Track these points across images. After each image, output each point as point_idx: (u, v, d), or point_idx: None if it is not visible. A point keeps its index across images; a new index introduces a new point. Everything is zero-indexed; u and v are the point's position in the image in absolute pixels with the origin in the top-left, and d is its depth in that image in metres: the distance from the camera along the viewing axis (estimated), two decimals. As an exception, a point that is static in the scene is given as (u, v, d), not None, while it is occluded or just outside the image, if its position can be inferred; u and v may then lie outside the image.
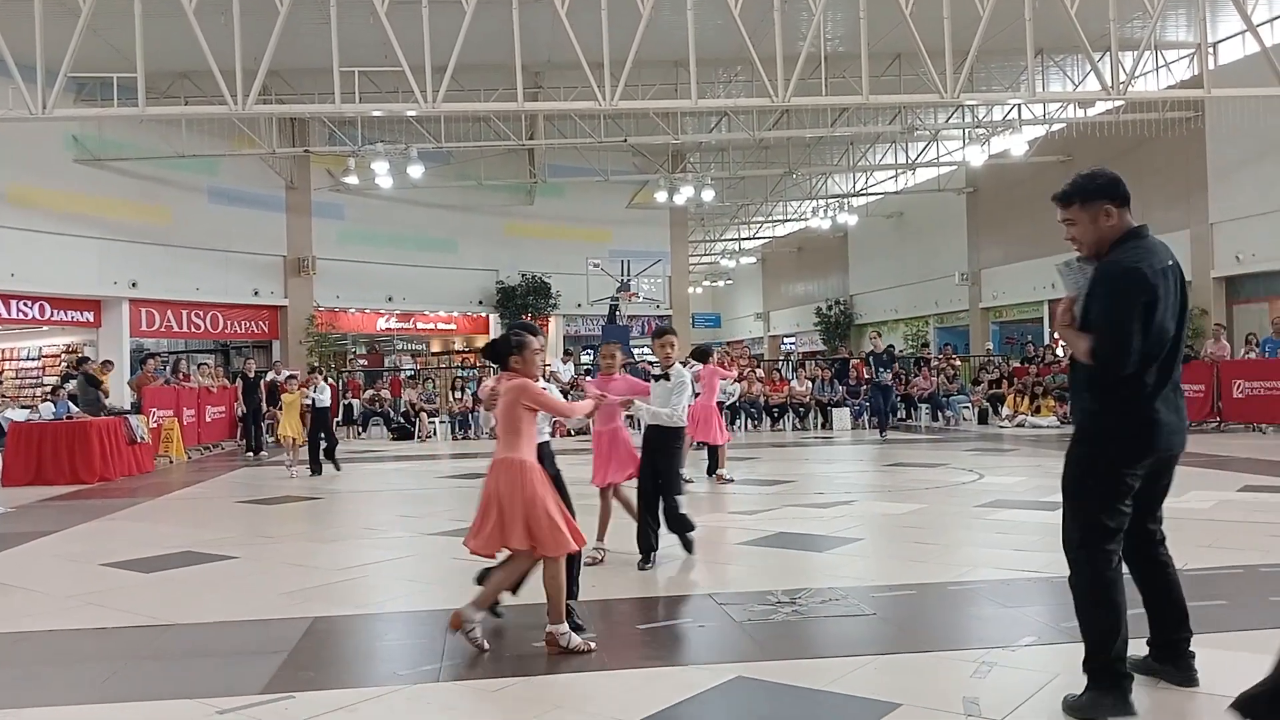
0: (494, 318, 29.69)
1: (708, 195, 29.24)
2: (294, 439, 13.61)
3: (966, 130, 26.12)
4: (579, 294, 29.31)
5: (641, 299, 30.16)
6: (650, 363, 7.24)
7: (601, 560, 6.51)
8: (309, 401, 13.54)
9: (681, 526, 6.56)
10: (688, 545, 6.58)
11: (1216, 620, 4.67)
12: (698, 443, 11.34)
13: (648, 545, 6.41)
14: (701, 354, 11.53)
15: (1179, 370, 3.61)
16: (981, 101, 21.68)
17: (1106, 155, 22.30)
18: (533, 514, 4.45)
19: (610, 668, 4.24)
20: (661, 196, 28.86)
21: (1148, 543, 3.71)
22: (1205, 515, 7.85)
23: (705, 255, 45.82)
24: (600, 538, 6.73)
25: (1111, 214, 3.60)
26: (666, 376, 6.63)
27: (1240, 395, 16.07)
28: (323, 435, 13.65)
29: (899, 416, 20.96)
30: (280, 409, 14.22)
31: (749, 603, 5.26)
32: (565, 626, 4.48)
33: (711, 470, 11.31)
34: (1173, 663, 3.70)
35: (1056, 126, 23.95)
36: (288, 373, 16.71)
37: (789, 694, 3.84)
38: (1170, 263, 3.53)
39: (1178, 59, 22.44)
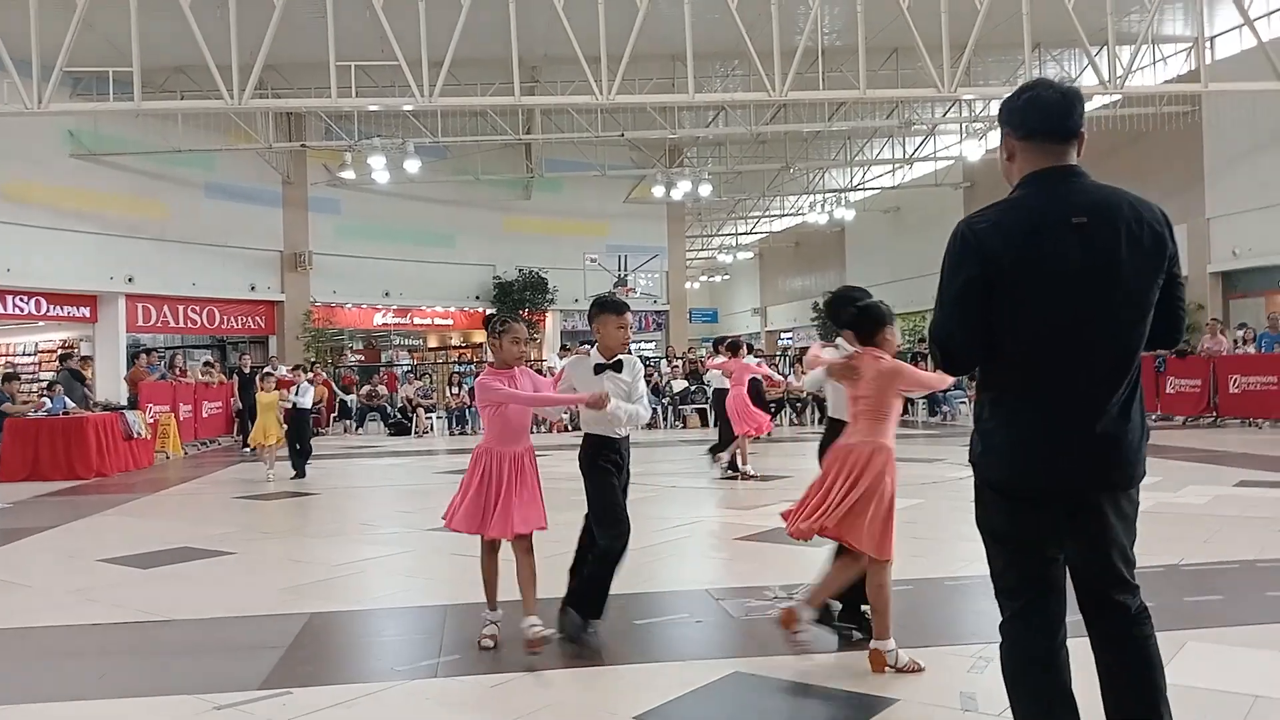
0: (491, 313, 29.69)
1: (705, 190, 29.19)
2: (268, 444, 12.48)
3: (964, 125, 26.12)
4: (576, 289, 29.27)
5: (639, 294, 30.13)
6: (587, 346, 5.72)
7: None
8: (288, 404, 12.57)
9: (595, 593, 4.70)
10: (571, 628, 4.65)
11: (1214, 616, 4.69)
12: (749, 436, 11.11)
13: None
14: (733, 346, 11.54)
15: (1091, 374, 2.52)
16: (978, 96, 21.67)
17: (1103, 149, 22.29)
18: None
19: (607, 663, 4.24)
20: (659, 191, 28.83)
21: (1109, 618, 2.62)
22: (1202, 511, 7.87)
23: (702, 250, 45.78)
24: None
25: (1010, 148, 2.66)
26: (619, 367, 4.84)
27: (1236, 390, 16.09)
28: (297, 440, 12.53)
29: (896, 411, 20.94)
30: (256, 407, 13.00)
31: (746, 598, 5.28)
32: (892, 642, 4.01)
33: (723, 456, 11.18)
34: None
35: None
36: (266, 369, 16.60)
37: (786, 689, 3.85)
38: (1080, 219, 2.48)
39: (1175, 53, 22.44)
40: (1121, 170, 21.49)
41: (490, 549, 4.72)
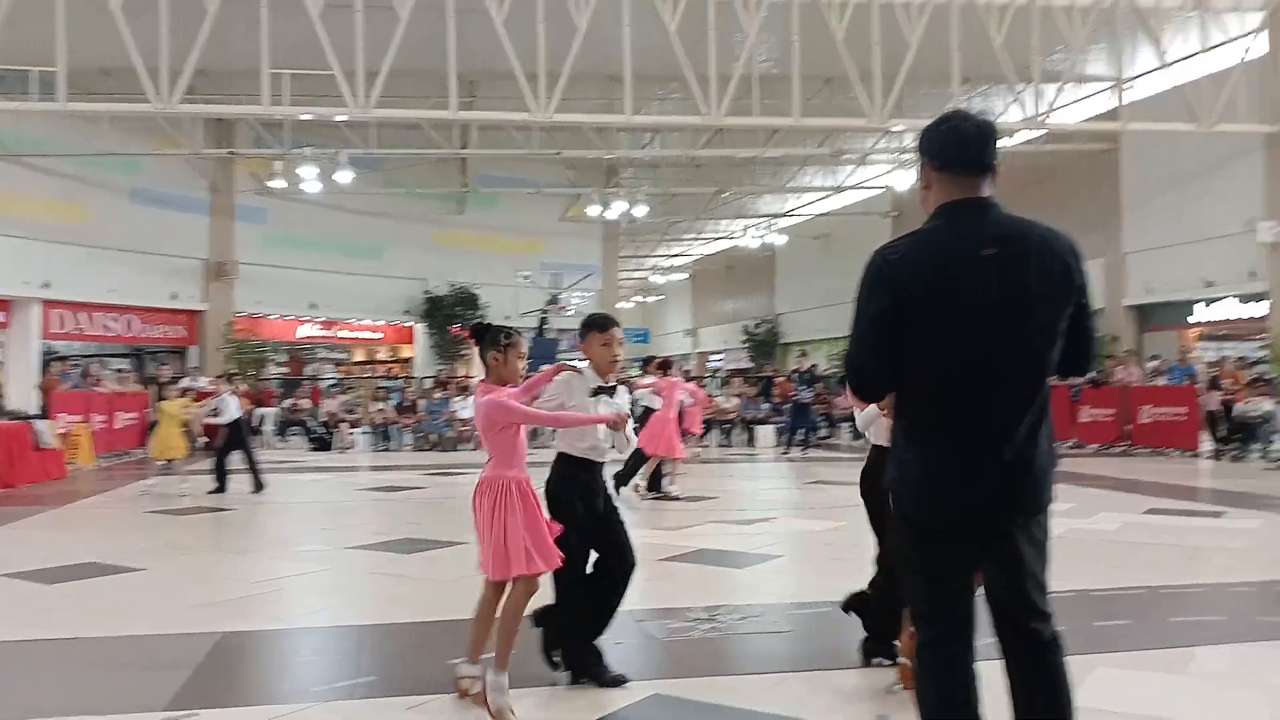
0: (420, 328, 29.35)
1: (640, 211, 29.35)
2: (175, 457, 11.96)
3: (893, 155, 26.68)
4: (508, 306, 29.11)
5: (571, 312, 30.10)
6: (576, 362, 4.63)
7: None
8: (212, 420, 11.92)
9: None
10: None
11: (1119, 640, 4.82)
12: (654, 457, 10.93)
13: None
14: (664, 365, 11.53)
15: (1000, 403, 2.54)
16: (908, 127, 22.14)
17: (1027, 182, 22.93)
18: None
19: (525, 685, 4.20)
20: (594, 211, 28.88)
21: (1023, 645, 2.66)
22: (1113, 537, 8.10)
23: (636, 270, 45.95)
24: None
25: (928, 177, 2.69)
26: (612, 390, 4.50)
27: (1148, 420, 16.62)
28: (240, 450, 11.92)
29: (820, 435, 21.22)
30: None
31: (667, 620, 5.27)
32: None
33: (655, 485, 11.09)
34: None
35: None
36: (176, 377, 16.10)
37: (704, 712, 3.85)
38: (991, 250, 2.51)
39: (1096, 92, 23.25)
40: (1043, 204, 22.11)
41: (499, 589, 4.09)
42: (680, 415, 16.07)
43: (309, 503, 11.79)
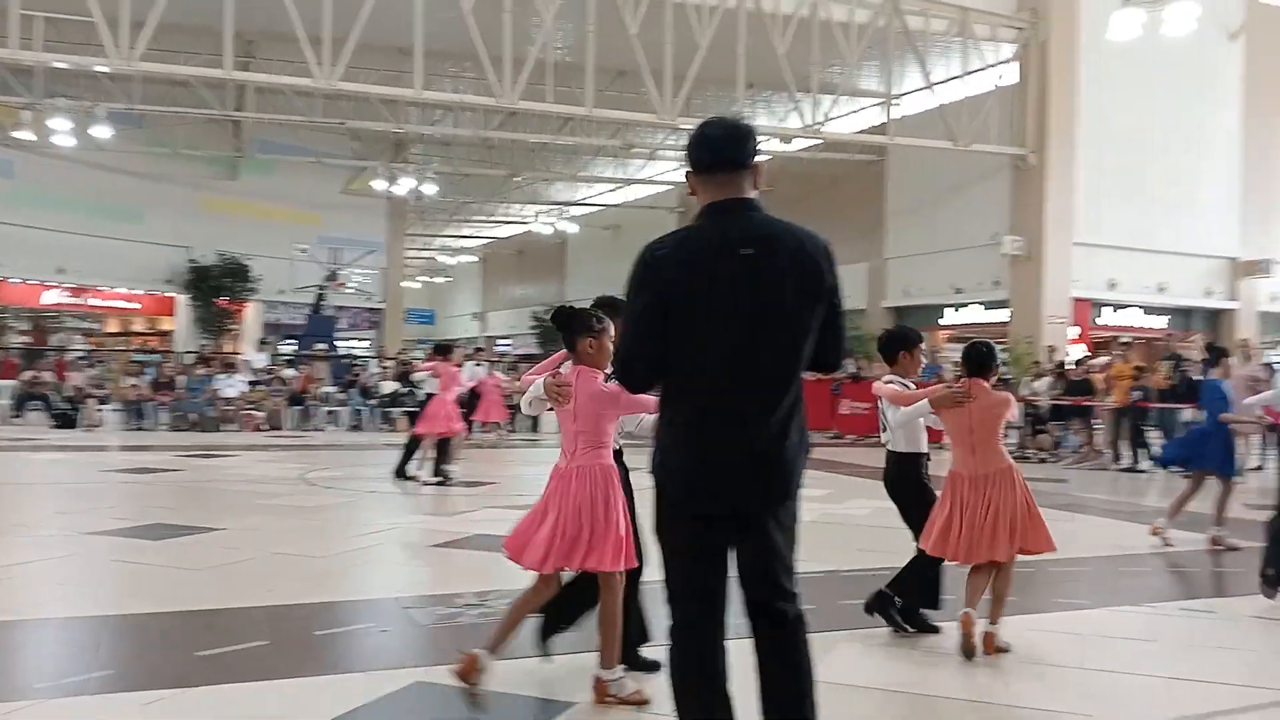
0: (183, 299, 27.48)
1: (429, 189, 28.72)
2: None
3: (682, 152, 27.39)
4: (282, 279, 27.78)
5: (352, 289, 29.09)
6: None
7: None
8: None
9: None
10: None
11: (861, 618, 5.15)
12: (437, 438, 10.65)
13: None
14: (443, 349, 11.24)
15: (752, 396, 2.66)
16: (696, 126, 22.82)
17: (804, 187, 24.18)
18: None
19: (280, 676, 4.04)
20: (380, 185, 28.02)
21: (769, 625, 2.80)
22: (863, 521, 8.66)
23: (424, 250, 44.97)
24: None
25: (691, 181, 2.82)
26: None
27: (901, 414, 17.90)
28: None
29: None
30: None
31: (435, 606, 5.21)
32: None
33: (439, 466, 10.80)
34: None
35: (763, 157, 25.65)
36: None
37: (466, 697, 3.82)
38: (748, 250, 2.63)
39: (867, 106, 24.73)
40: (817, 209, 23.38)
41: (552, 582, 3.97)
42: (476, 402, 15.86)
43: (47, 484, 10.81)
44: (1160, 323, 21.46)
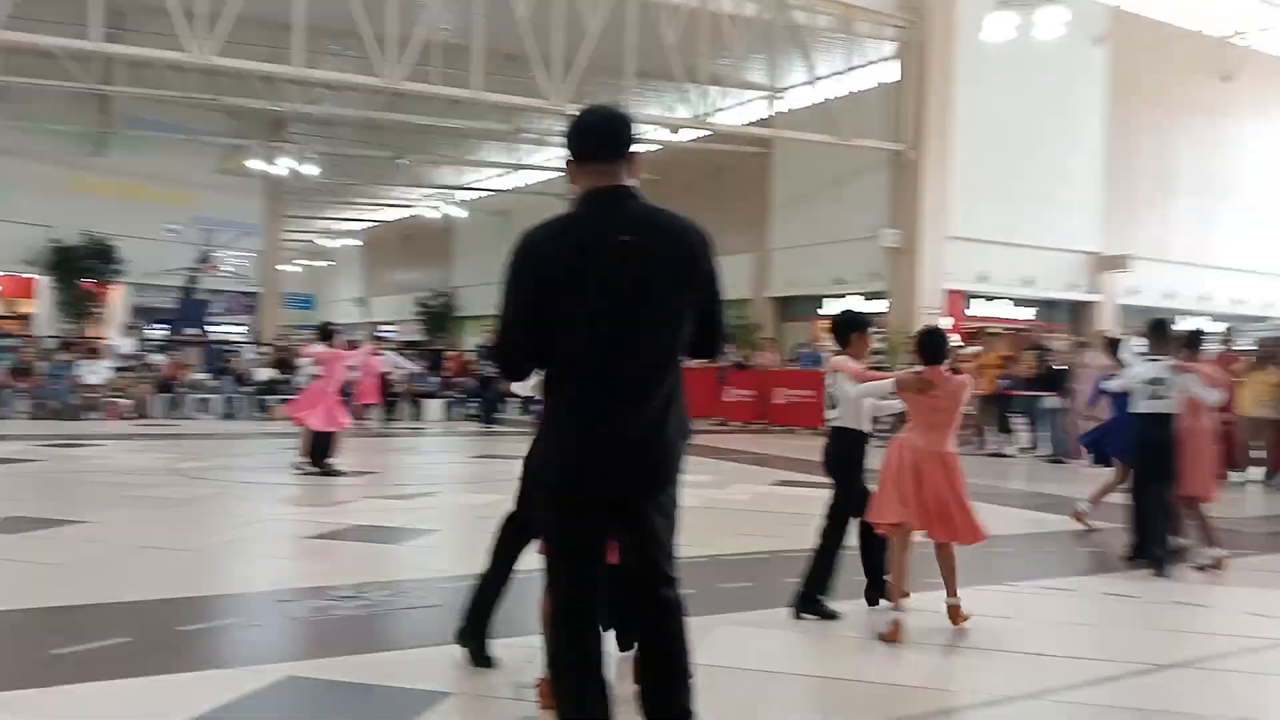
0: (45, 280, 26.01)
1: (309, 169, 27.88)
2: None
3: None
4: (151, 261, 26.54)
5: (226, 273, 28.03)
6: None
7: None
8: None
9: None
10: None
11: (740, 600, 5.26)
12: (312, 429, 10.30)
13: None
14: (326, 334, 10.83)
15: (629, 383, 2.68)
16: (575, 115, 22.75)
17: (691, 178, 24.37)
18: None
19: (143, 674, 3.87)
20: (257, 165, 27.05)
21: (648, 610, 2.85)
22: (744, 506, 8.82)
23: (303, 232, 43.67)
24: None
25: (570, 169, 2.84)
26: None
27: (782, 401, 18.26)
28: None
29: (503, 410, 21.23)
30: None
31: (309, 598, 5.07)
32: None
33: (321, 457, 10.45)
34: None
35: (652, 147, 25.78)
36: None
37: (340, 690, 3.75)
38: (626, 237, 2.67)
39: (755, 98, 25.07)
40: (704, 200, 23.61)
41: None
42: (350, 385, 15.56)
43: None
44: (1028, 314, 22.43)
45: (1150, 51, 23.29)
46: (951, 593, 4.85)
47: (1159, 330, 6.46)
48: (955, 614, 4.81)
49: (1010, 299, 22.34)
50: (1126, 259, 22.69)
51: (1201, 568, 6.39)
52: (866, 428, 5.10)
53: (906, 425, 4.96)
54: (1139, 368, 6.49)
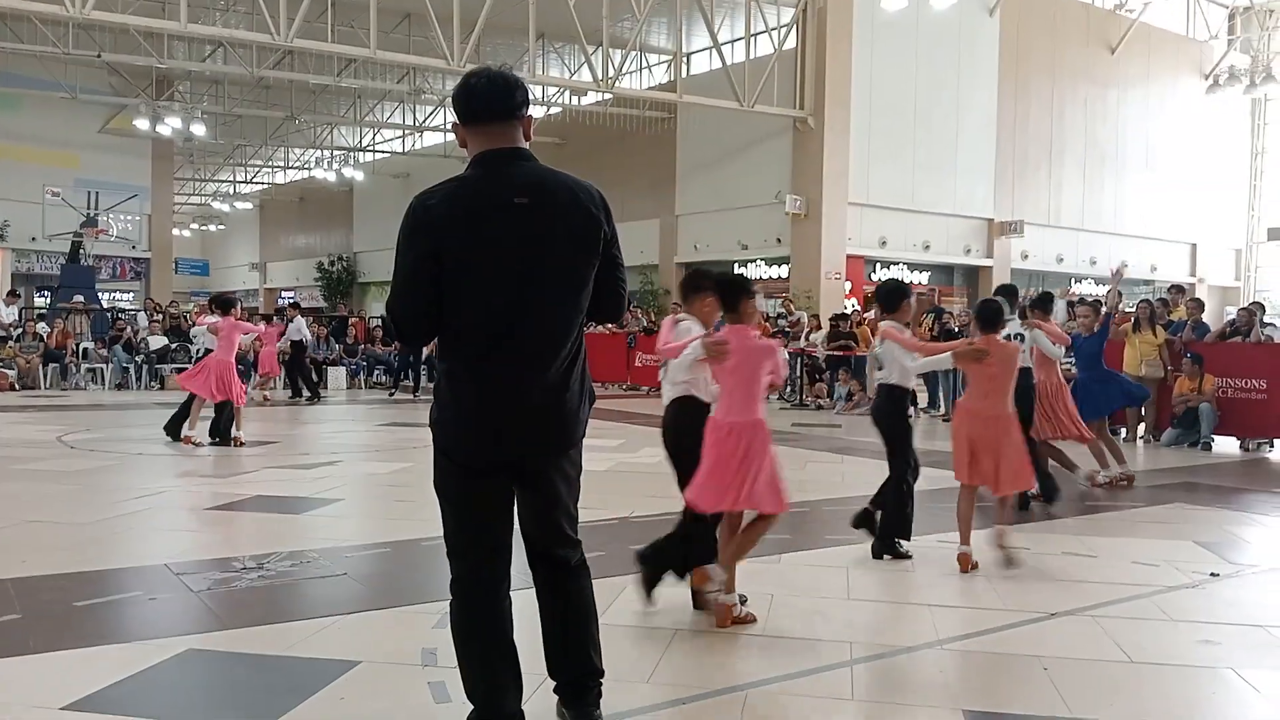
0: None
1: (198, 129, 26.86)
2: None
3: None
4: (33, 227, 25.36)
5: (113, 237, 26.88)
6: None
7: None
8: None
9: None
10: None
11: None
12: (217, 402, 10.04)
13: None
14: (225, 304, 10.48)
15: (529, 347, 2.66)
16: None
17: (596, 142, 24.27)
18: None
19: (36, 651, 3.75)
20: (143, 125, 25.94)
21: (552, 571, 2.89)
22: (653, 469, 8.89)
23: (195, 195, 42.12)
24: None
25: (460, 133, 2.79)
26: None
27: (691, 366, 18.46)
28: None
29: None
30: None
31: (210, 570, 4.96)
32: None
33: (220, 429, 10.17)
34: (573, 707, 2.91)
35: (554, 111, 25.51)
36: None
37: (243, 662, 3.69)
38: (522, 199, 2.62)
39: (659, 63, 25.01)
40: (609, 165, 23.55)
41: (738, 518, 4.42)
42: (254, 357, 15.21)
43: None
44: (925, 279, 23.05)
45: (1041, 22, 24.01)
46: (1005, 532, 5.29)
47: (1009, 295, 7.21)
48: (1009, 555, 5.20)
49: (908, 264, 22.93)
50: (1019, 224, 23.46)
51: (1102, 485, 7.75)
52: (911, 385, 5.88)
53: (966, 391, 5.60)
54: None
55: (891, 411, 5.62)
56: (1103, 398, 8.61)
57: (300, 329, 16.28)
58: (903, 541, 5.50)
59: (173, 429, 10.23)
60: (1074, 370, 9.14)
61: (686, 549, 4.41)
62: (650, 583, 4.41)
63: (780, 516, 4.34)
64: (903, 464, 5.53)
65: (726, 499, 4.19)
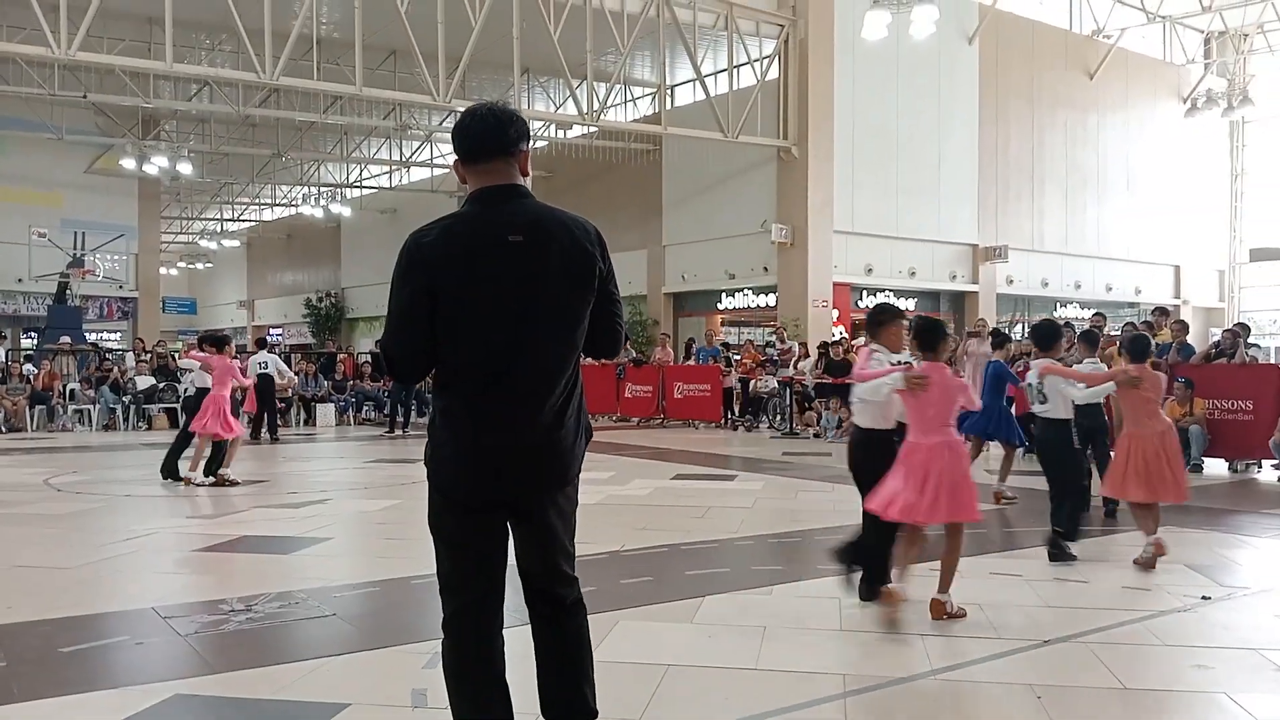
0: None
1: (185, 168, 26.90)
2: None
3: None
4: (19, 268, 25.31)
5: (100, 277, 26.84)
6: None
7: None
8: None
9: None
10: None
11: (643, 596, 5.30)
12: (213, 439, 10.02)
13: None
14: (219, 341, 10.46)
15: (525, 385, 2.64)
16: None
17: (583, 174, 24.41)
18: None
19: (20, 699, 3.70)
20: (129, 164, 25.97)
21: (548, 610, 2.86)
22: (644, 501, 8.88)
23: (182, 234, 42.12)
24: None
25: (458, 169, 2.80)
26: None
27: (680, 395, 18.45)
28: None
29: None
30: None
31: (198, 613, 4.91)
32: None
33: (214, 468, 10.14)
34: None
35: (540, 144, 25.65)
36: None
37: (231, 707, 3.65)
38: (517, 237, 2.62)
39: (643, 95, 25.19)
40: (596, 197, 23.67)
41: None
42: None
43: None
44: (912, 305, 23.14)
45: (1019, 49, 24.32)
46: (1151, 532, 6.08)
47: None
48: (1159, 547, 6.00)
49: (894, 290, 23.02)
50: (1004, 249, 23.61)
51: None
52: (1069, 415, 6.33)
53: (1126, 418, 6.30)
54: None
55: (1060, 443, 6.33)
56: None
57: (265, 365, 15.53)
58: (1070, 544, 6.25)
59: (168, 469, 10.15)
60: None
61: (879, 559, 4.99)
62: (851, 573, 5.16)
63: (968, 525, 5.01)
64: (1077, 488, 6.31)
65: (918, 511, 4.74)
